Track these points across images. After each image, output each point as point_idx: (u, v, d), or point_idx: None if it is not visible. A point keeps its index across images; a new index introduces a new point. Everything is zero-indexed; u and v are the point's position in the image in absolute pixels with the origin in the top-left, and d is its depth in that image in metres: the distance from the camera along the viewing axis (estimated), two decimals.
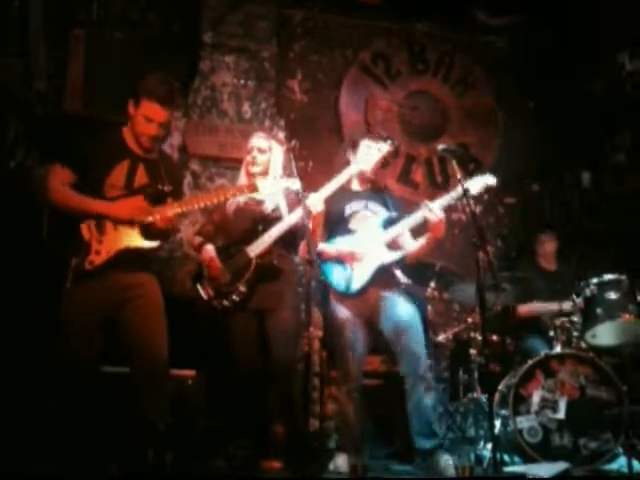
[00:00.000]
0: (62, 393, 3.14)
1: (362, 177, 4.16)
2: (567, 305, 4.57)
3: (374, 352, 4.56)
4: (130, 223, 3.24)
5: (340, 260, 3.93)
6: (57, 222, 3.26)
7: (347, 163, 4.14)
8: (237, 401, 3.87)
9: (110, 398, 3.43)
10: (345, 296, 3.91)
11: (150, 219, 3.26)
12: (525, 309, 5.09)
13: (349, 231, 4.02)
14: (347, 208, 4.06)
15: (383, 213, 4.06)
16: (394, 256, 3.92)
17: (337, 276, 3.93)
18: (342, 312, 3.91)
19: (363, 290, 3.87)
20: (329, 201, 3.97)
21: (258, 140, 4.09)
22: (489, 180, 3.95)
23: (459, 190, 3.80)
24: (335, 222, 4.05)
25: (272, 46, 5.98)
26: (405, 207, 4.11)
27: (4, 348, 3.65)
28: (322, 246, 4.01)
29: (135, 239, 3.27)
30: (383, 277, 3.89)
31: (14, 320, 3.74)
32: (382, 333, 3.92)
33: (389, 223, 3.99)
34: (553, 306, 4.74)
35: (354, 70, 6.35)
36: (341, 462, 3.79)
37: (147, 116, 3.31)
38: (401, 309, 3.88)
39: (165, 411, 3.29)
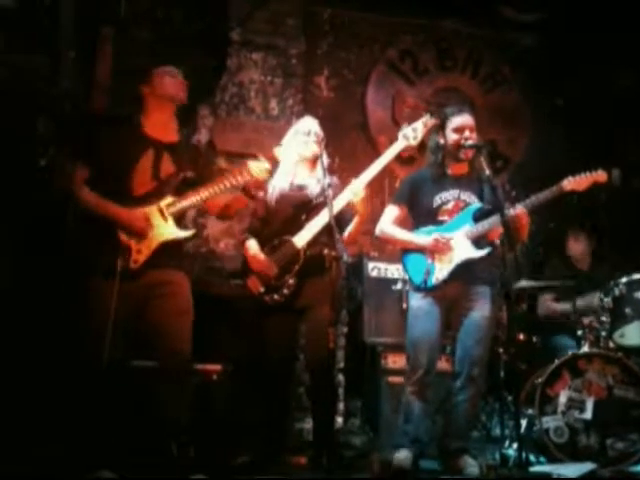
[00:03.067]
0: (83, 391, 3.18)
1: (455, 158, 3.85)
2: (583, 302, 4.49)
3: None
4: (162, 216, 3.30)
5: (422, 251, 3.76)
6: (81, 224, 3.33)
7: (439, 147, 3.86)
8: (262, 396, 3.82)
9: (133, 393, 3.50)
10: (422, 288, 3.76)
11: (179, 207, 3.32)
12: (543, 309, 5.06)
13: (437, 222, 3.81)
14: (437, 198, 3.84)
15: (475, 204, 3.82)
16: (479, 253, 3.73)
17: (415, 269, 3.78)
18: (418, 301, 3.78)
19: (442, 285, 3.72)
20: (417, 189, 3.85)
21: (315, 125, 3.83)
22: (599, 177, 3.81)
23: (554, 190, 3.72)
24: (423, 212, 3.86)
25: (300, 43, 5.99)
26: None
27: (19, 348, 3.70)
28: (409, 236, 3.86)
29: (170, 231, 3.33)
30: (467, 273, 3.72)
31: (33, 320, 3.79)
32: (451, 327, 3.81)
33: (480, 216, 3.77)
34: (566, 306, 4.69)
35: (381, 67, 6.32)
36: (402, 457, 3.62)
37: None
38: (477, 308, 3.73)
39: (187, 406, 3.32)
